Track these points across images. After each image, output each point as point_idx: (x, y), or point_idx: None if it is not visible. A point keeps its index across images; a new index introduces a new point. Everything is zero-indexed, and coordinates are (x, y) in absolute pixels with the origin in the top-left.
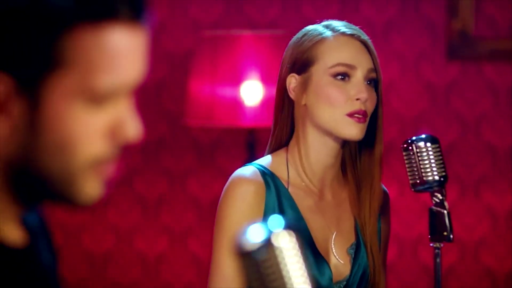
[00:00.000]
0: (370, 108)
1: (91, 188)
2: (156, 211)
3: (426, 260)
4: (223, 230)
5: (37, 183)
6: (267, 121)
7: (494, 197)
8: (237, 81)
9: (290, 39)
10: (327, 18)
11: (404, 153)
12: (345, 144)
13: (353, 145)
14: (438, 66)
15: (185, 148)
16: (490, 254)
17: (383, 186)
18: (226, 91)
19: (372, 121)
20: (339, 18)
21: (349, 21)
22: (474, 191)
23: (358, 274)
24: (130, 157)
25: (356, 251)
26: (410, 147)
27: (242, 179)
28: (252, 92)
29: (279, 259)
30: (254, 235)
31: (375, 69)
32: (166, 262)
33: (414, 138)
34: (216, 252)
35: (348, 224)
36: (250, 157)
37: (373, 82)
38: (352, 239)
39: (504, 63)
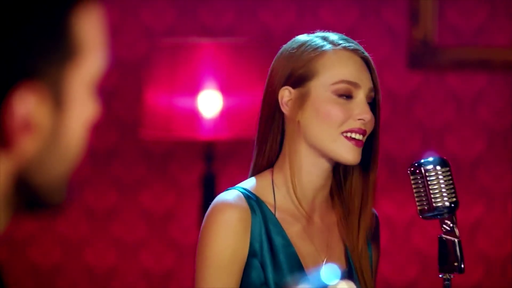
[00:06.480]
0: (370, 129)
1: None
2: (105, 223)
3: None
4: (206, 260)
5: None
6: (226, 134)
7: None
8: (194, 91)
9: (250, 48)
10: (284, 24)
11: (411, 177)
12: (336, 165)
13: (341, 167)
14: (399, 75)
15: (137, 159)
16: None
17: (373, 209)
18: (184, 102)
19: (367, 143)
20: (297, 23)
21: (309, 27)
22: None
23: None
24: (79, 167)
25: (348, 279)
26: (418, 171)
27: (225, 204)
28: (210, 102)
29: None
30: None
31: (375, 89)
32: (116, 276)
33: (422, 160)
34: (200, 283)
35: (338, 250)
36: (207, 171)
37: (371, 102)
38: (343, 266)
39: (467, 72)
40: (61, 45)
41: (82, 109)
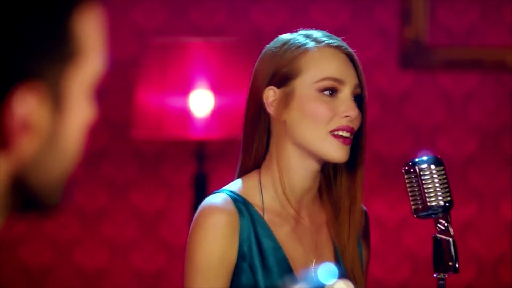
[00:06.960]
0: (357, 126)
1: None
2: (97, 224)
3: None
4: (195, 264)
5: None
6: (217, 133)
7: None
8: (186, 91)
9: (241, 47)
10: (276, 23)
11: (405, 176)
12: (325, 165)
13: (330, 167)
14: (391, 75)
15: (128, 159)
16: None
17: (363, 206)
18: (175, 101)
19: (354, 140)
20: (289, 23)
21: (300, 27)
22: None
23: None
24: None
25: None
26: (412, 170)
27: (212, 208)
28: (201, 102)
29: None
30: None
31: (360, 85)
32: (107, 276)
33: (416, 159)
34: (188, 287)
35: (327, 250)
36: (199, 171)
37: (357, 98)
38: None
39: (459, 72)
40: (61, 46)
41: (80, 111)
